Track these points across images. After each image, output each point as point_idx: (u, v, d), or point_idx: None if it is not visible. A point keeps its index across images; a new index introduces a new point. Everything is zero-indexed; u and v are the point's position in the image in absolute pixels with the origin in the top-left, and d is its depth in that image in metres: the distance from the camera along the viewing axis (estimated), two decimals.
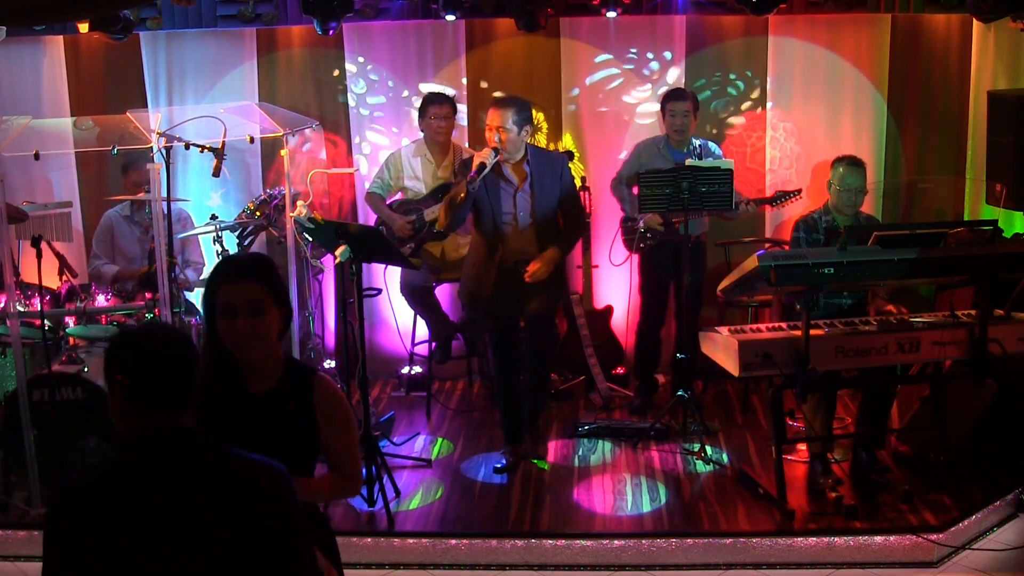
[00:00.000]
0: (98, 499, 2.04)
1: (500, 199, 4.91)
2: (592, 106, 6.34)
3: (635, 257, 5.90)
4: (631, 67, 6.30)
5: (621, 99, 6.35)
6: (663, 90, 6.00)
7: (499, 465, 5.14)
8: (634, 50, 6.27)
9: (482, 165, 4.74)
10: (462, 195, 4.78)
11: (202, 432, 2.14)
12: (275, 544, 2.09)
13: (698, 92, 6.25)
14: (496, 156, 4.78)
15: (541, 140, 6.29)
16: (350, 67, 6.36)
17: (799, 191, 5.73)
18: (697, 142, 5.71)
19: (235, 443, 2.27)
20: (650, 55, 6.29)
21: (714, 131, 6.33)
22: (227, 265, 2.67)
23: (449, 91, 6.17)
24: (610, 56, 6.29)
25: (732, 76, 6.31)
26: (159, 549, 2.02)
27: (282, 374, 2.68)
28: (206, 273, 5.80)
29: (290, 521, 2.12)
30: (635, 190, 5.79)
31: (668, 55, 6.27)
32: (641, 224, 5.68)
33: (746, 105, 6.33)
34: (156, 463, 2.08)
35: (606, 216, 6.17)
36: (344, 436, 2.73)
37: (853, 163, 5.02)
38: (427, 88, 6.25)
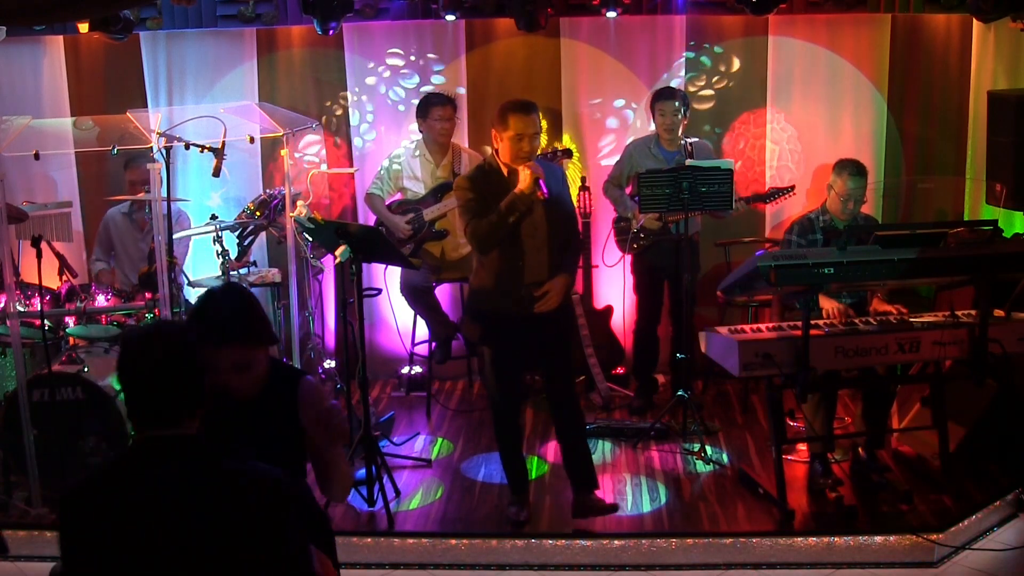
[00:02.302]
0: (95, 502, 2.11)
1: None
2: (591, 106, 6.34)
3: (628, 257, 5.90)
4: (630, 67, 6.29)
5: (620, 99, 6.35)
6: (654, 89, 5.99)
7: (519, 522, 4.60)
8: (634, 50, 6.27)
9: (537, 180, 4.25)
10: (516, 216, 4.29)
11: (196, 441, 2.15)
12: (266, 551, 2.11)
13: (697, 92, 6.26)
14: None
15: (542, 140, 6.29)
16: (350, 67, 6.36)
17: (792, 187, 5.73)
18: (688, 140, 5.71)
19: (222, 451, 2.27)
20: (648, 55, 6.29)
21: (714, 131, 6.33)
22: (207, 327, 2.55)
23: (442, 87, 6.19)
24: (610, 56, 6.28)
25: (732, 75, 6.30)
26: (152, 553, 2.06)
27: (266, 380, 2.66)
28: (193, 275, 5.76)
29: (283, 528, 2.14)
30: (628, 190, 5.80)
31: (668, 55, 6.26)
32: (637, 224, 5.67)
33: (746, 105, 6.33)
34: (146, 472, 2.11)
35: (605, 216, 6.16)
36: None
37: (858, 172, 4.95)
38: (427, 88, 6.25)
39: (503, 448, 4.71)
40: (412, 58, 6.35)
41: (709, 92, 6.32)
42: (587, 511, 4.54)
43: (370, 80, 6.39)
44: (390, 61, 6.36)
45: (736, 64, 6.30)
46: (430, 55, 6.33)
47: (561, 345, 4.65)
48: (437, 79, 6.33)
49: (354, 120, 6.43)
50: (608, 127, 6.37)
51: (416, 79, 6.35)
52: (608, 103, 6.34)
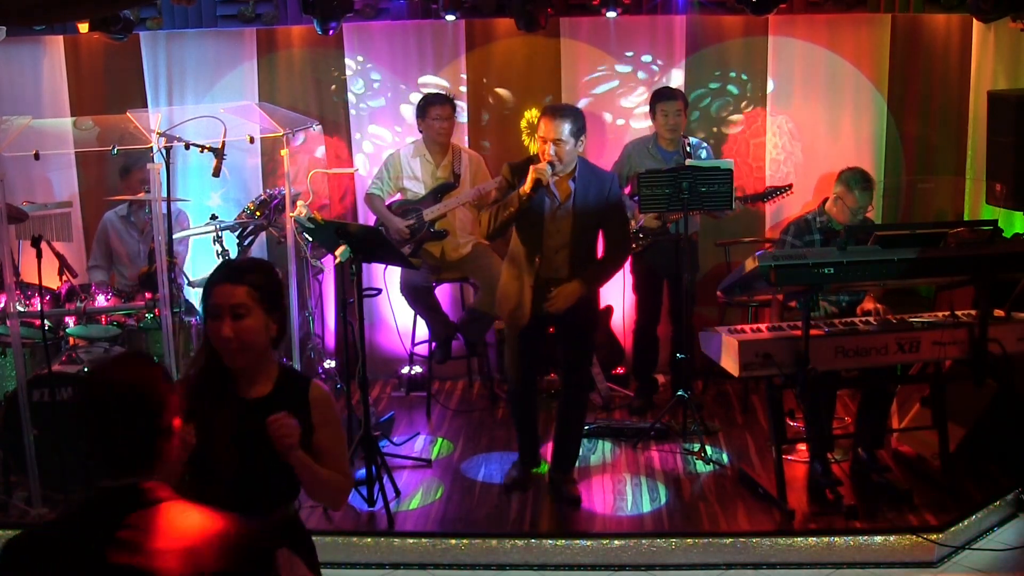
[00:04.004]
0: (37, 556, 1.91)
1: (543, 214, 4.53)
2: (591, 106, 6.34)
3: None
4: (630, 68, 6.29)
5: (620, 99, 6.35)
6: (654, 89, 5.97)
7: (502, 482, 4.96)
8: (631, 53, 6.27)
9: (538, 182, 4.38)
10: (512, 209, 4.46)
11: (150, 492, 1.95)
12: None
13: (698, 92, 6.26)
14: (553, 172, 4.44)
15: None
16: (350, 66, 6.36)
17: (790, 186, 5.73)
18: (688, 140, 5.70)
19: (227, 449, 2.24)
20: (649, 56, 6.28)
21: (714, 131, 6.33)
22: (222, 267, 2.68)
23: (444, 85, 6.18)
24: (610, 56, 6.29)
25: (732, 75, 6.30)
26: None
27: (276, 381, 2.68)
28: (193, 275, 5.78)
29: None
30: (627, 190, 5.80)
31: (668, 55, 6.26)
32: (636, 224, 5.67)
33: (746, 105, 6.33)
34: (94, 525, 1.91)
35: None
36: (339, 442, 2.76)
37: (867, 185, 4.91)
38: (427, 88, 6.26)
39: (515, 422, 5.05)
40: (413, 58, 6.35)
41: (709, 92, 6.32)
42: (558, 489, 4.83)
43: (370, 79, 6.39)
44: (390, 61, 6.36)
45: (736, 64, 6.29)
46: (430, 55, 6.33)
47: (577, 338, 4.76)
48: (437, 79, 6.33)
49: (354, 120, 6.43)
50: (607, 127, 6.37)
51: (416, 79, 6.35)
52: (608, 102, 6.34)
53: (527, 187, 4.41)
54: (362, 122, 6.44)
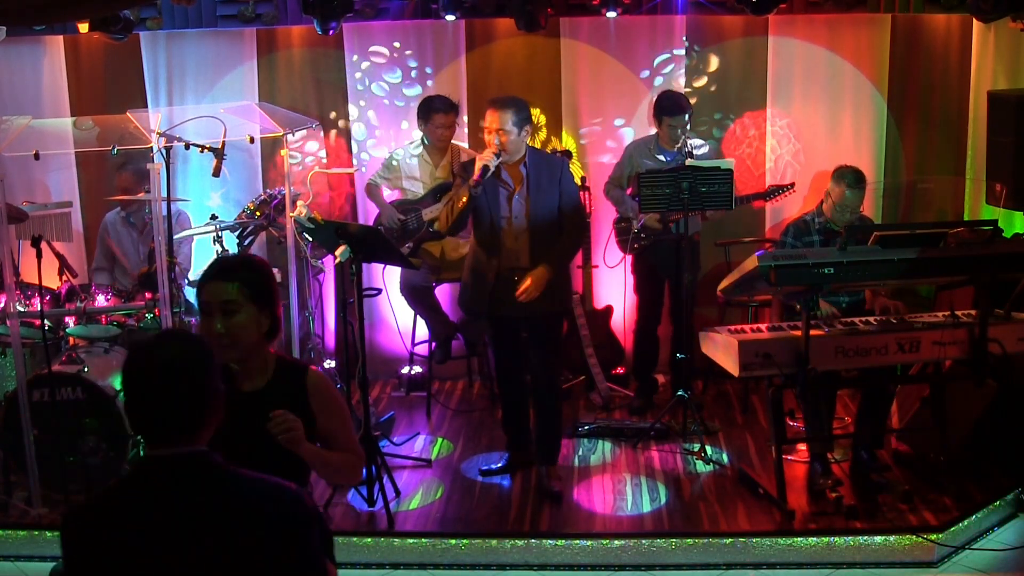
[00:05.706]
0: (101, 522, 2.02)
1: (498, 202, 4.72)
2: (593, 105, 6.34)
3: (628, 257, 5.90)
4: (629, 67, 6.29)
5: (621, 98, 6.35)
6: (656, 96, 5.92)
7: (485, 468, 5.13)
8: (634, 50, 6.27)
9: (485, 168, 4.59)
10: (464, 199, 4.65)
11: (205, 459, 2.06)
12: (286, 569, 2.04)
13: (697, 91, 6.25)
14: (498, 159, 4.63)
15: (540, 139, 6.31)
16: (350, 67, 6.36)
17: (791, 185, 5.73)
18: (688, 141, 5.69)
19: (228, 443, 2.28)
20: (649, 56, 6.28)
21: (715, 131, 6.32)
22: (214, 264, 2.73)
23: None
24: (611, 56, 6.28)
25: (731, 76, 6.30)
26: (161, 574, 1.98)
27: (273, 373, 2.73)
28: (193, 274, 5.78)
29: (305, 548, 2.06)
30: (628, 190, 5.80)
31: (667, 55, 6.26)
32: (638, 224, 5.67)
33: (746, 105, 6.32)
34: (151, 492, 2.02)
35: (606, 216, 6.16)
36: (343, 423, 2.82)
37: (857, 183, 4.91)
38: (428, 89, 6.25)
39: (502, 403, 5.21)
40: (410, 55, 6.35)
41: (709, 92, 6.32)
42: (541, 483, 4.91)
43: (370, 79, 6.38)
44: (390, 60, 6.36)
45: (736, 64, 6.29)
46: (430, 55, 6.33)
47: (544, 335, 4.83)
48: (437, 79, 6.33)
49: (354, 119, 6.43)
50: (608, 126, 6.37)
51: (416, 79, 6.35)
52: (609, 101, 6.34)
53: (475, 175, 4.60)
54: (362, 121, 6.44)
